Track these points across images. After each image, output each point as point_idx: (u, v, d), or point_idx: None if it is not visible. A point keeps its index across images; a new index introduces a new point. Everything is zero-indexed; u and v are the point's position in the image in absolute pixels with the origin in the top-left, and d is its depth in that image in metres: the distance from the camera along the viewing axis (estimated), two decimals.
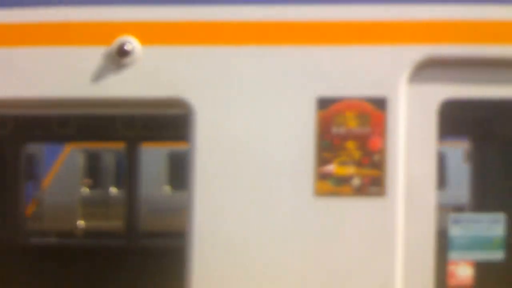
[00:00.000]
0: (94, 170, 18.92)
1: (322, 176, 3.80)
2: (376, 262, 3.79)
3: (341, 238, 3.79)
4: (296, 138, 3.81)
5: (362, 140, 3.80)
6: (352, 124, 3.81)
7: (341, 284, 3.78)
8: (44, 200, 17.98)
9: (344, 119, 3.81)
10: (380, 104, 3.81)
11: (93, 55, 3.85)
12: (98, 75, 3.85)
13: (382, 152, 3.80)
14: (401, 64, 3.82)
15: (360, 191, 3.79)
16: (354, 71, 3.83)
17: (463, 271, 3.89)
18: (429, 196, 3.84)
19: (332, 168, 3.80)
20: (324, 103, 3.81)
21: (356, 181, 3.80)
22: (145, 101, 3.89)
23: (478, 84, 3.88)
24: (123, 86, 3.84)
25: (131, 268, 7.49)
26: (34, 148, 16.86)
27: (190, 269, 3.81)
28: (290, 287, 3.79)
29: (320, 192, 3.79)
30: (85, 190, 18.88)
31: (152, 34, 3.86)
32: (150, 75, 3.84)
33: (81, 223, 18.38)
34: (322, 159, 3.80)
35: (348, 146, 3.80)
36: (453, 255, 3.89)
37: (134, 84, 3.84)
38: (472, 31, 3.83)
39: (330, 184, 3.80)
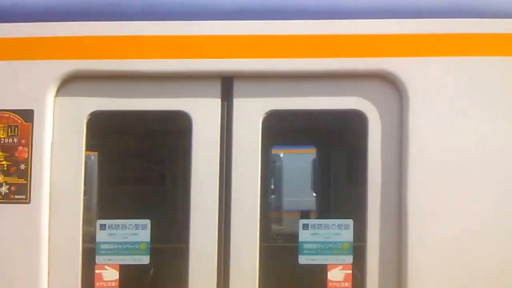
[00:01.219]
0: None
1: None
2: (22, 267, 3.99)
3: None
4: None
5: (10, 151, 4.03)
6: (1, 135, 4.04)
7: None
8: None
9: None
10: (27, 116, 4.03)
11: None
12: None
13: (27, 161, 4.02)
14: (48, 78, 4.04)
15: (7, 199, 4.01)
16: (4, 85, 4.06)
17: (109, 275, 4.09)
18: (76, 202, 4.06)
19: None
20: None
21: (3, 189, 4.02)
22: None
23: (125, 97, 4.10)
24: None
25: None
26: None
27: None
28: None
29: None
30: None
31: None
32: None
33: None
34: None
35: None
36: (99, 260, 4.10)
37: None
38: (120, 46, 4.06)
39: None
